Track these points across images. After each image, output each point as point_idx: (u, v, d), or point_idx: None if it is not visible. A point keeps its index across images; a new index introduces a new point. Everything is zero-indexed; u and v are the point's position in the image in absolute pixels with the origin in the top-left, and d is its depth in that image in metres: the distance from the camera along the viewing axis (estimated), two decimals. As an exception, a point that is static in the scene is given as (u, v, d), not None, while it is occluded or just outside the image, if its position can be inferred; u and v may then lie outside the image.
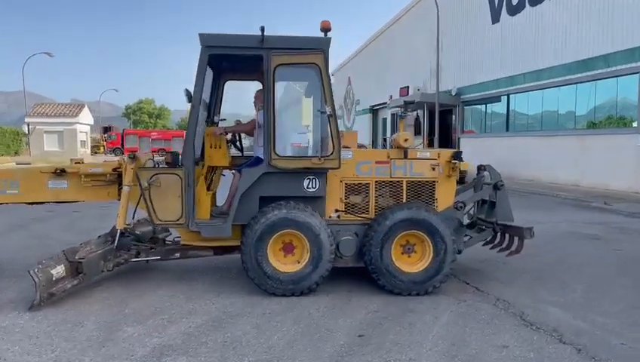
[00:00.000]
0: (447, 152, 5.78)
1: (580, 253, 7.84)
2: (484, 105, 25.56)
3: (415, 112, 32.18)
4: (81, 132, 48.04)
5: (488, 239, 6.24)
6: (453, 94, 26.85)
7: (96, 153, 56.72)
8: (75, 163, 5.72)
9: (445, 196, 5.76)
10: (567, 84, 19.07)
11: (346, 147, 5.67)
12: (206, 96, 6.17)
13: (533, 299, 5.46)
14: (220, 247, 5.65)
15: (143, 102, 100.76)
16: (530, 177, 20.57)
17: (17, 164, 26.47)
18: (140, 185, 5.27)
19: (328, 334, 4.42)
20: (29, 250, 7.58)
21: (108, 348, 4.07)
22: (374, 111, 40.74)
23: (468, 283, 6.02)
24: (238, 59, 5.80)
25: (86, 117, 49.96)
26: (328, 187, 5.52)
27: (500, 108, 24.07)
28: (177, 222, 5.36)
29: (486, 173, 6.16)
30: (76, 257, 5.13)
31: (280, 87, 5.43)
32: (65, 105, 50.10)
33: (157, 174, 5.32)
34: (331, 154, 5.24)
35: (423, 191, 5.75)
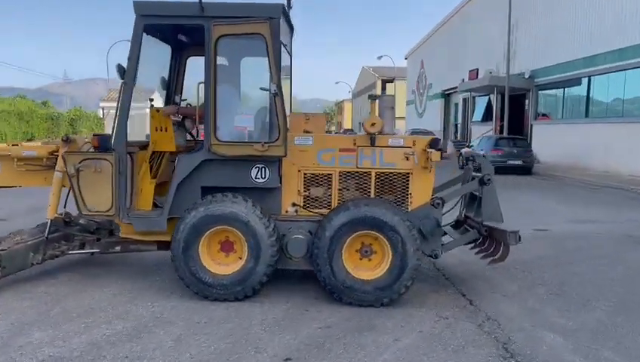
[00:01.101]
0: (423, 140, 4.81)
1: (626, 262, 6.57)
2: (561, 90, 23.36)
3: (488, 97, 30.29)
4: (150, 117, 49.89)
5: (477, 241, 5.21)
6: (527, 77, 24.80)
7: None
8: (13, 145, 5.35)
9: (421, 190, 4.80)
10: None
11: (308, 132, 4.88)
12: (164, 73, 5.60)
13: (533, 321, 4.44)
14: (163, 242, 5.04)
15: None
16: (607, 169, 18.48)
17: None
18: (67, 170, 4.79)
19: (250, 355, 3.72)
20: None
21: (-8, 357, 3.62)
22: (446, 95, 38.84)
23: (464, 295, 5.08)
24: (198, 32, 5.14)
25: (156, 102, 51.81)
26: (285, 177, 4.76)
27: (578, 91, 21.85)
28: (107, 213, 4.82)
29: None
30: None
31: (223, 62, 4.73)
32: (136, 90, 52.30)
33: (85, 159, 4.79)
34: (277, 139, 4.48)
35: (394, 184, 4.84)
